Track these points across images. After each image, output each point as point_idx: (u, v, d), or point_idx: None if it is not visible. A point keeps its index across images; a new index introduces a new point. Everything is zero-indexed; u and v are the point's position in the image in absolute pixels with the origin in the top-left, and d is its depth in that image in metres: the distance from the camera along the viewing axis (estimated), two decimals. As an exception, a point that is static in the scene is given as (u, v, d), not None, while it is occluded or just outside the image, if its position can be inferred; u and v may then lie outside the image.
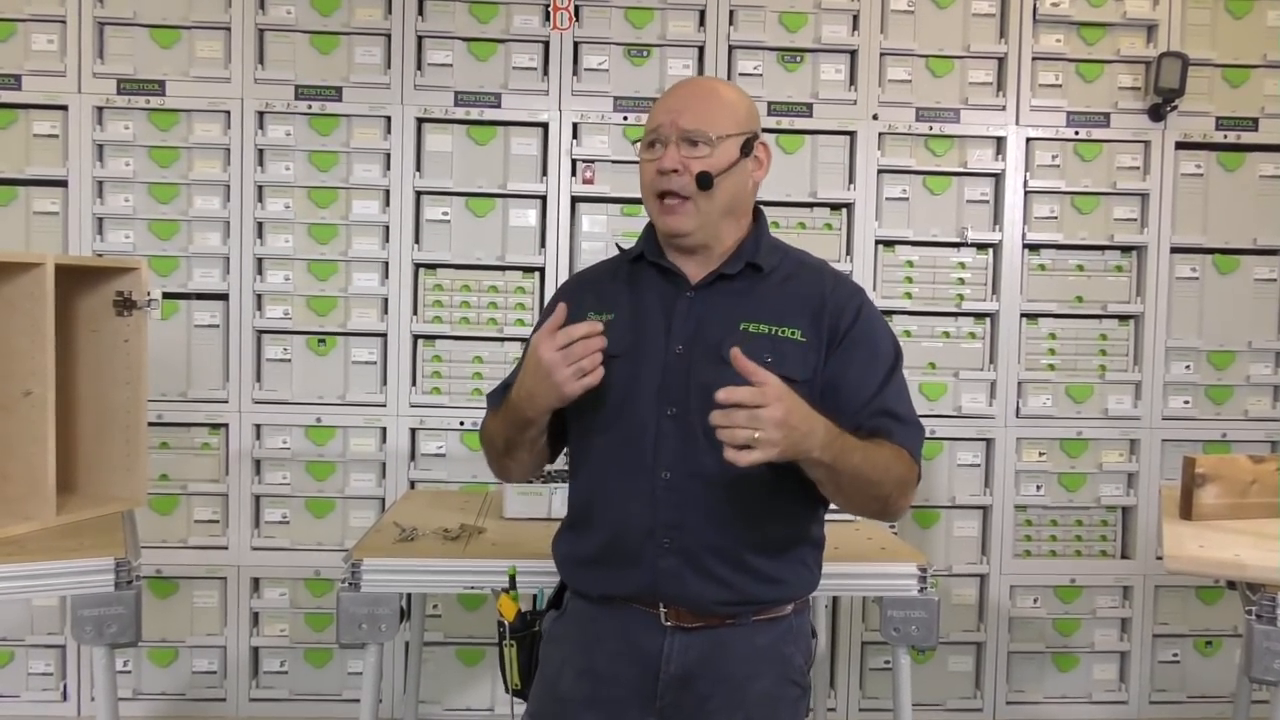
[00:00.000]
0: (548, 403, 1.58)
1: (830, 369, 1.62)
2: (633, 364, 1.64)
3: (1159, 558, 3.34)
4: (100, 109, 3.26)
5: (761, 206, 1.75)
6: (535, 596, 2.01)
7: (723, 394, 1.39)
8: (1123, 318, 3.49)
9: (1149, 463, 3.47)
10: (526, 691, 1.83)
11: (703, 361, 1.60)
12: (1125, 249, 3.49)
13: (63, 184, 3.26)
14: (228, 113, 3.28)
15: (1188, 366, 3.49)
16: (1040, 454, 3.47)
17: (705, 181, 1.61)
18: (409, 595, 2.55)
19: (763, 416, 1.38)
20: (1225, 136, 3.47)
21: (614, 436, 1.65)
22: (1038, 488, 3.47)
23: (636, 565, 1.63)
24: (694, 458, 1.60)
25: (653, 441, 1.62)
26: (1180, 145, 3.47)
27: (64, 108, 3.25)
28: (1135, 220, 3.47)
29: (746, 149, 1.66)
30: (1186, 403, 3.49)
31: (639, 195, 1.71)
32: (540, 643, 1.81)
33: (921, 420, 1.69)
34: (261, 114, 3.29)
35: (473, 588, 2.18)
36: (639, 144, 1.70)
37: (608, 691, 1.67)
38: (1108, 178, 3.46)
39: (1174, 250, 3.47)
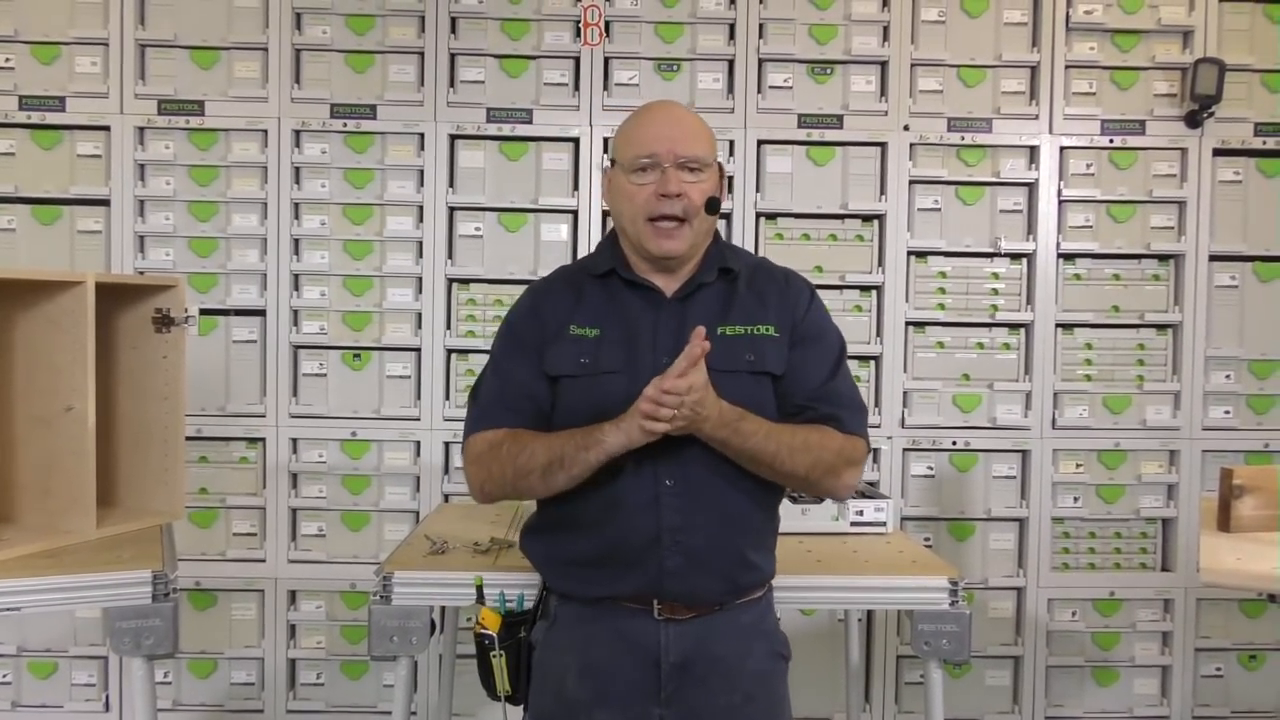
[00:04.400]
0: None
1: (789, 358, 1.78)
2: (628, 379, 1.72)
3: (1199, 570, 3.29)
4: (141, 129, 3.33)
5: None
6: (502, 602, 2.01)
7: (667, 385, 1.59)
8: (1161, 327, 3.45)
9: (1189, 474, 3.42)
10: (517, 697, 1.89)
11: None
12: (1163, 258, 3.45)
13: (105, 203, 3.33)
14: (265, 131, 3.34)
15: (1228, 376, 3.44)
16: (1077, 465, 3.43)
17: (714, 206, 1.76)
18: (442, 608, 2.57)
19: (687, 402, 1.60)
20: (1264, 143, 3.42)
21: None
22: (1075, 500, 3.43)
23: (639, 568, 1.74)
24: (693, 464, 1.72)
25: (653, 451, 1.70)
26: (1218, 152, 3.42)
27: (106, 128, 3.32)
28: (1172, 228, 3.43)
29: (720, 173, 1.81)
30: (1227, 413, 3.43)
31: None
32: (532, 652, 1.87)
33: (864, 403, 1.87)
34: (298, 132, 3.35)
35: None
36: (618, 167, 1.79)
37: (613, 687, 1.76)
38: (1144, 186, 3.42)
39: (1213, 258, 3.42)
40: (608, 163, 1.87)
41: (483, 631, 1.89)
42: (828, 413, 1.76)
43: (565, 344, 1.77)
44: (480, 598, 2.00)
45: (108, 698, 3.36)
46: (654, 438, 1.65)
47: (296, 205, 3.36)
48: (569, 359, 1.76)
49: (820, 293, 3.28)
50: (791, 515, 2.51)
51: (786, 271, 1.91)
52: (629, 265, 1.81)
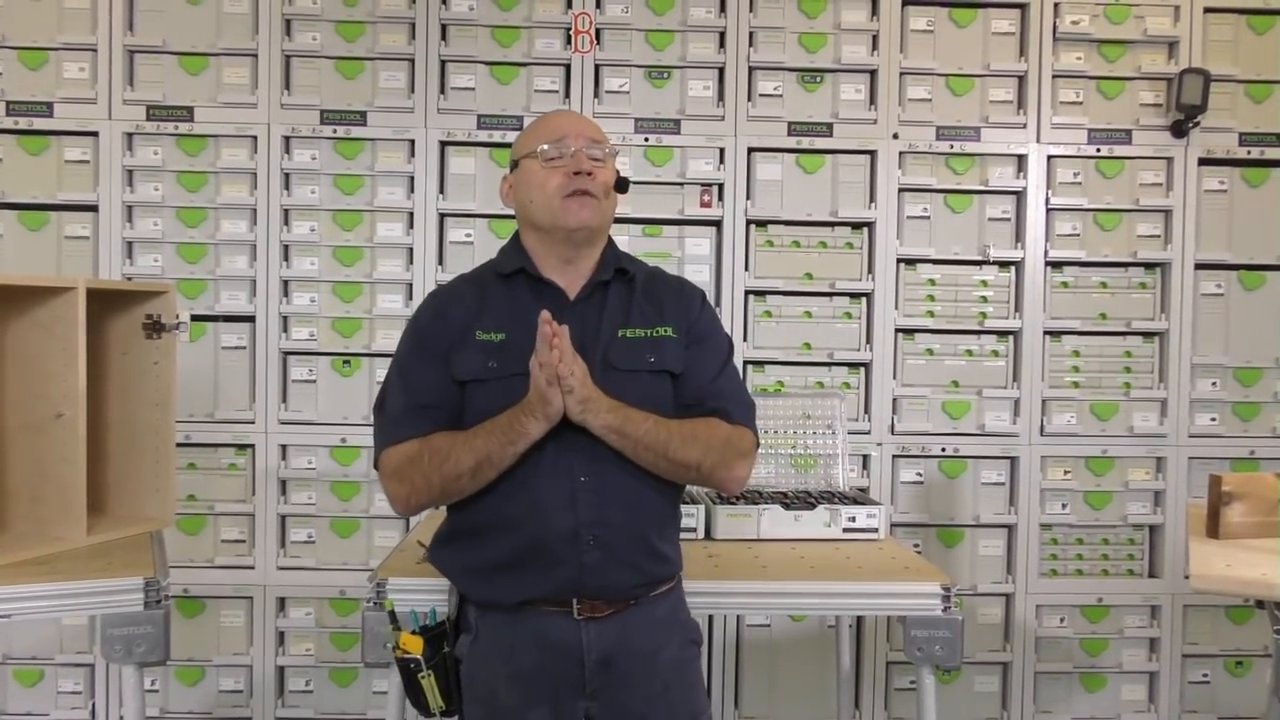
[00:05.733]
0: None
1: (684, 358, 1.86)
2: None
3: (1187, 576, 3.31)
4: (130, 135, 3.32)
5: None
6: (416, 614, 2.01)
7: (551, 333, 1.66)
8: (1147, 335, 3.47)
9: (1176, 481, 3.44)
10: (452, 709, 1.91)
11: (594, 372, 1.75)
12: (1149, 266, 3.47)
13: (93, 209, 3.31)
14: (254, 137, 3.33)
15: (1214, 383, 3.46)
16: (1065, 472, 3.45)
17: (623, 185, 1.87)
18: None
19: (577, 373, 1.69)
20: (1249, 152, 3.45)
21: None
22: (1063, 506, 3.45)
23: (560, 565, 1.78)
24: (605, 460, 1.77)
25: (565, 450, 1.76)
26: (1203, 161, 3.45)
27: (95, 134, 3.31)
28: (1159, 237, 3.46)
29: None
30: (1213, 420, 3.46)
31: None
32: (459, 666, 1.88)
33: (751, 400, 1.94)
34: (288, 138, 3.34)
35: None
36: (526, 161, 1.86)
37: (541, 688, 1.80)
38: (1130, 194, 3.45)
39: (1198, 266, 3.45)
40: (507, 170, 1.94)
41: (406, 656, 1.88)
42: (714, 406, 1.84)
43: (471, 349, 1.81)
44: (394, 620, 1.99)
45: (94, 706, 3.33)
46: (559, 416, 1.70)
47: (286, 211, 3.35)
48: (477, 364, 1.80)
49: (810, 299, 3.40)
50: (784, 522, 2.52)
51: (680, 279, 2.02)
52: (535, 264, 1.87)
